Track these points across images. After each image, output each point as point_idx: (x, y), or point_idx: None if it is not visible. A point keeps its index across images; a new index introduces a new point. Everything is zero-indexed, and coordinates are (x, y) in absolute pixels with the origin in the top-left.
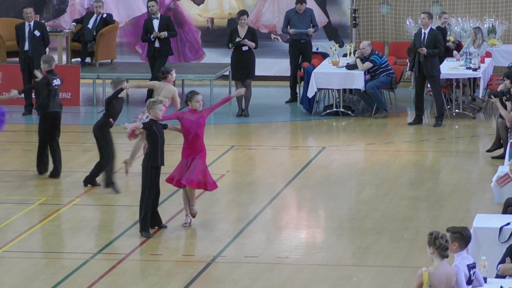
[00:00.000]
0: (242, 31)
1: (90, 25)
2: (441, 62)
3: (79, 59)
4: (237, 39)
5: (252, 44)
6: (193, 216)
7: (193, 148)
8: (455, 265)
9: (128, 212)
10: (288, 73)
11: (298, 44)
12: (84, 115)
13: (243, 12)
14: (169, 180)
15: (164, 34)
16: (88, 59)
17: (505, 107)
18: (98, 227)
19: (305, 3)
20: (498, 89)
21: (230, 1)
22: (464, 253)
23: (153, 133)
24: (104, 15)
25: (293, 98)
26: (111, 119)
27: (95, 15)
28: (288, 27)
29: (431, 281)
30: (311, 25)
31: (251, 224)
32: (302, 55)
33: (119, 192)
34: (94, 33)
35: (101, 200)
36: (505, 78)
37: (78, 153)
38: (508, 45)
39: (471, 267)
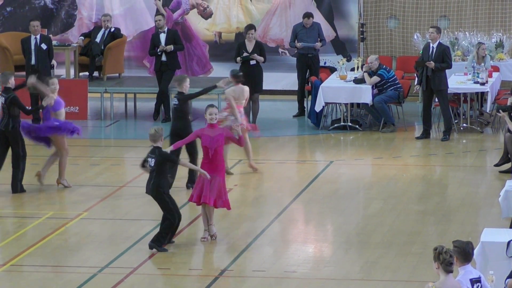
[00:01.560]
0: (250, 45)
1: (98, 39)
2: None
3: (87, 73)
4: (245, 54)
5: (261, 59)
6: (212, 237)
7: (212, 164)
8: (458, 279)
9: (136, 226)
10: (295, 87)
11: (306, 58)
12: (92, 129)
13: (250, 27)
14: (190, 198)
15: (170, 47)
16: (96, 73)
17: None
18: (105, 241)
19: (312, 17)
20: (509, 103)
21: (237, 15)
22: (469, 267)
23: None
24: (112, 29)
25: (301, 112)
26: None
27: (103, 29)
28: (296, 41)
29: None
30: (319, 39)
31: (258, 238)
32: (310, 69)
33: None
34: (102, 47)
35: (109, 214)
36: (511, 93)
37: (86, 167)
38: None
39: (475, 281)
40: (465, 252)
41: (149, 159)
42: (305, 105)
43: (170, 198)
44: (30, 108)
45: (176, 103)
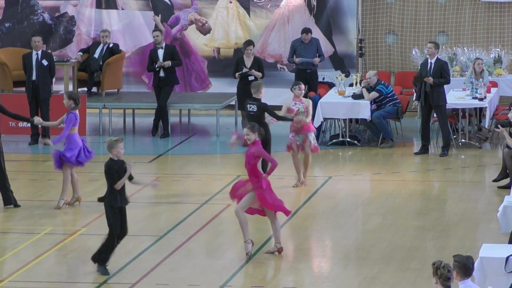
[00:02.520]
0: (248, 61)
1: (96, 55)
2: None
3: (85, 89)
4: (244, 69)
5: (259, 74)
6: (279, 252)
7: (251, 178)
8: None
9: (135, 241)
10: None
11: (304, 73)
12: (90, 144)
13: (249, 42)
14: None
15: (168, 63)
16: (94, 89)
17: None
18: None
19: (311, 33)
20: (509, 116)
21: (236, 31)
22: (468, 281)
23: (111, 174)
24: (111, 45)
25: None
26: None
27: (101, 45)
28: (294, 56)
29: None
30: (317, 54)
31: (257, 254)
32: (308, 85)
33: None
34: (101, 63)
35: (107, 229)
36: (511, 108)
37: (85, 182)
38: None
39: None
40: (465, 267)
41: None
42: None
43: (115, 215)
44: (16, 114)
45: (254, 109)
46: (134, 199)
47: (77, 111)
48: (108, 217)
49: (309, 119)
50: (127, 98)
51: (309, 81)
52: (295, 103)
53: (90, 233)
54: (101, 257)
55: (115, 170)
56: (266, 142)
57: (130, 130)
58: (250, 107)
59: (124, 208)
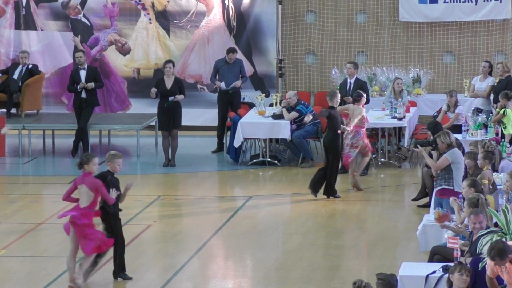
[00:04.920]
0: (168, 81)
1: (15, 76)
2: None
3: (4, 110)
4: (170, 98)
5: (182, 97)
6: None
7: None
8: None
9: (55, 263)
10: (214, 123)
11: (227, 94)
12: (10, 166)
13: (168, 61)
14: None
15: (91, 85)
16: (13, 110)
17: (431, 156)
18: (24, 279)
19: (236, 52)
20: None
21: (156, 52)
22: None
23: (107, 184)
24: (30, 66)
25: (220, 147)
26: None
27: (20, 66)
28: (217, 76)
29: None
30: (240, 76)
31: (178, 274)
32: (231, 105)
33: None
34: (20, 84)
35: (27, 251)
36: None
37: (4, 204)
38: (432, 94)
39: None
40: (389, 284)
41: None
42: (224, 140)
43: (118, 221)
44: None
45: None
46: (54, 220)
47: None
48: (111, 225)
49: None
50: (47, 119)
51: (232, 101)
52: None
53: (10, 255)
54: (121, 266)
55: (109, 180)
56: (326, 147)
57: (50, 151)
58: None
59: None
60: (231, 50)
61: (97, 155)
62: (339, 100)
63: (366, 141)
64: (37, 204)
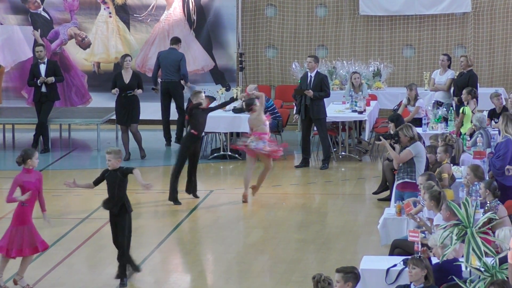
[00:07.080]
0: (126, 75)
1: None
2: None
3: None
4: (129, 93)
5: (140, 91)
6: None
7: None
8: None
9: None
10: (174, 117)
11: (167, 85)
12: None
13: (126, 55)
14: None
15: (52, 79)
16: None
17: (393, 148)
18: None
19: (180, 43)
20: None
21: (116, 46)
22: None
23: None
24: None
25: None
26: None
27: None
28: (160, 68)
29: None
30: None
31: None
32: (174, 97)
33: None
34: None
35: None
36: (389, 122)
37: None
38: (393, 87)
39: None
40: (358, 275)
41: None
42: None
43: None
44: None
45: None
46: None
47: None
48: (125, 221)
49: None
50: (7, 113)
51: (173, 92)
52: None
53: None
54: (131, 259)
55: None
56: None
57: (10, 145)
58: None
59: None
60: (175, 40)
61: (58, 149)
62: (204, 98)
63: (269, 148)
64: None
